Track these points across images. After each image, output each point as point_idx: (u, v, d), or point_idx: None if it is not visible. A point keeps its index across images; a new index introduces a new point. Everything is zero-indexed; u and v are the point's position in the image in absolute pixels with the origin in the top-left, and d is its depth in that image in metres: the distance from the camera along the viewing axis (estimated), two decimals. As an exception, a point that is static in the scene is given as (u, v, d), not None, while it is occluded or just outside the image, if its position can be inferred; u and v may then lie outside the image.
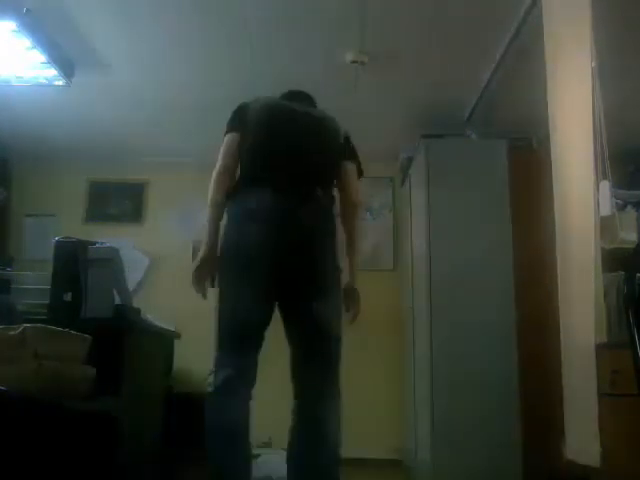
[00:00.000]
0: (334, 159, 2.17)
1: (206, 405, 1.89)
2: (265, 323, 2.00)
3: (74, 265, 2.58)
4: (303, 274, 1.96)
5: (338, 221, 2.16)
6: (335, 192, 2.19)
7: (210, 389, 1.91)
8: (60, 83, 3.43)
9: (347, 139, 2.24)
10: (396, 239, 4.64)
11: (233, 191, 2.05)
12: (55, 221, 4.67)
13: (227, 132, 2.16)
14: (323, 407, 1.97)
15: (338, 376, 2.03)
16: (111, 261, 2.65)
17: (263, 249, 1.93)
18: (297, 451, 1.97)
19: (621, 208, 3.34)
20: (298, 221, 1.94)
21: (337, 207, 2.21)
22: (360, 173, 2.24)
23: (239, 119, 2.16)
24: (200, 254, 2.06)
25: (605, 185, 2.15)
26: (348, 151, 2.22)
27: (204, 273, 2.06)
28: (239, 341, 1.96)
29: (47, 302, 2.67)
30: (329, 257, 2.03)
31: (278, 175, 2.01)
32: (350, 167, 2.19)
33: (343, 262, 2.17)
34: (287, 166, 2.04)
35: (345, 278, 2.16)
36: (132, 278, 3.94)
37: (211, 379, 1.92)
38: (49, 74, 3.34)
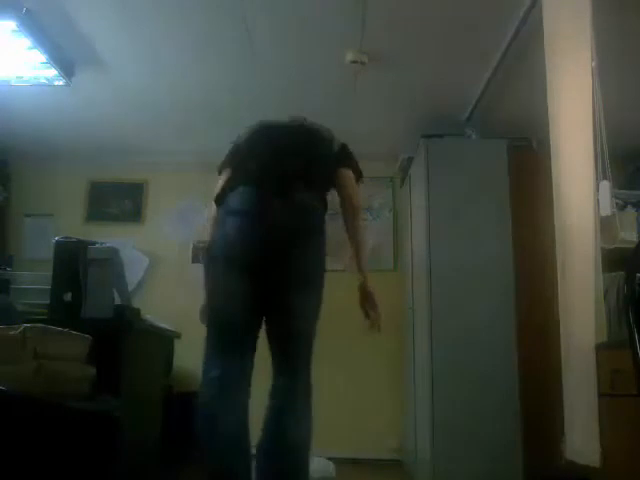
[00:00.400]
0: (325, 163, 2.13)
1: (196, 409, 1.86)
2: (249, 323, 1.96)
3: (74, 265, 2.59)
4: (278, 272, 1.92)
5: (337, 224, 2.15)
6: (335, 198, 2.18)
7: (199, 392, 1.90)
8: (60, 83, 3.43)
9: (343, 148, 2.20)
10: (396, 239, 4.64)
11: (222, 195, 2.05)
12: (54, 221, 4.66)
13: (220, 171, 2.16)
14: (288, 408, 1.91)
15: (307, 376, 1.98)
16: (111, 261, 2.66)
17: (239, 247, 1.92)
18: (261, 451, 1.89)
19: (621, 208, 3.34)
20: (273, 220, 1.90)
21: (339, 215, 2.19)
22: (358, 177, 2.21)
23: (231, 155, 2.16)
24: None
25: (605, 185, 2.15)
26: (344, 158, 2.18)
27: None
28: (223, 343, 1.93)
29: (47, 302, 2.67)
30: (309, 256, 1.97)
31: (259, 176, 2.00)
32: (346, 173, 2.15)
33: (350, 264, 2.16)
34: (269, 166, 2.02)
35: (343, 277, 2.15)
36: (132, 278, 3.94)
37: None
38: (49, 74, 3.33)
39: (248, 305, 1.94)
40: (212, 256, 1.99)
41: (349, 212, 2.15)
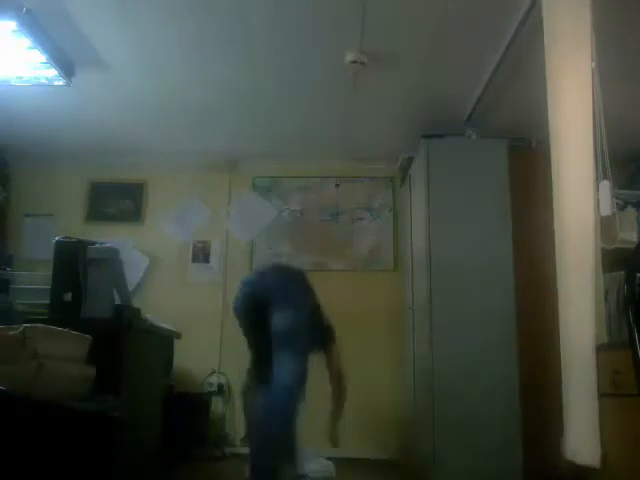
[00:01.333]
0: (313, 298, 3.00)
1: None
2: (257, 353, 2.89)
3: (74, 265, 2.59)
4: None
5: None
6: None
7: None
8: (60, 83, 3.43)
9: (330, 327, 3.10)
10: (396, 239, 4.64)
11: None
12: (54, 221, 4.66)
13: None
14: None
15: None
16: (111, 261, 2.66)
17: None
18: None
19: (621, 208, 3.34)
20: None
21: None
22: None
23: None
24: None
25: (605, 185, 2.15)
26: (333, 336, 3.07)
27: None
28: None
29: (47, 302, 2.67)
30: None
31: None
32: (334, 349, 3.02)
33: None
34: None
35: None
36: (132, 278, 3.94)
37: None
38: (49, 74, 3.33)
39: (254, 343, 2.91)
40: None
41: (336, 380, 3.02)
